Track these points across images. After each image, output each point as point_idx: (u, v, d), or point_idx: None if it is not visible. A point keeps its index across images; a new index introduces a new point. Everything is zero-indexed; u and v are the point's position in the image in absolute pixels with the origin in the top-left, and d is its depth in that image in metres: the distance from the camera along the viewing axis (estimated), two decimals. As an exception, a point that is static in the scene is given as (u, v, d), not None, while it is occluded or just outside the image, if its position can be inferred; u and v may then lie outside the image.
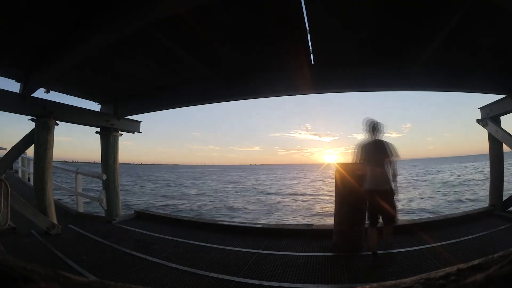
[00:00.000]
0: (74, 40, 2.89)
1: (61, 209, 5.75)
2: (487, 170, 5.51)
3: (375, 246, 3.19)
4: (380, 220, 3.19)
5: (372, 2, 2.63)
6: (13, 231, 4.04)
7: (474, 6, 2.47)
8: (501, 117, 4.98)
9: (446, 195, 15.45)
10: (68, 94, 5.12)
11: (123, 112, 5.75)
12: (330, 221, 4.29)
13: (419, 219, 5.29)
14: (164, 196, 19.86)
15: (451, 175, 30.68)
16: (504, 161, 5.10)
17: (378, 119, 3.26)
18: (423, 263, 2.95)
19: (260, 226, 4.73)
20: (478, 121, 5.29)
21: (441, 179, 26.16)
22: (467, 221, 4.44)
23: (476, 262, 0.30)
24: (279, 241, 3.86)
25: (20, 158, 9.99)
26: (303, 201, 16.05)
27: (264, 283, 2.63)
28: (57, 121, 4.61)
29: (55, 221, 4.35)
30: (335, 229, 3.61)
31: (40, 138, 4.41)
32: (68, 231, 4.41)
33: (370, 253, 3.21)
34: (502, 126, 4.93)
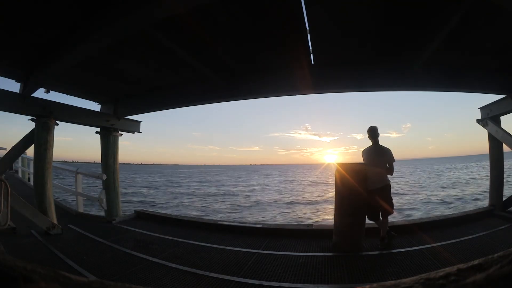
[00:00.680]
0: (74, 40, 2.89)
1: (61, 209, 5.75)
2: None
3: (385, 232, 3.53)
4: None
5: (372, 2, 2.63)
6: (13, 231, 4.04)
7: (474, 6, 2.47)
8: (501, 117, 4.98)
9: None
10: (68, 94, 5.12)
11: (123, 112, 5.75)
12: (330, 221, 4.29)
13: (419, 219, 5.29)
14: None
15: (468, 174, 30.40)
16: (504, 161, 5.10)
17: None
18: (423, 263, 2.95)
19: (260, 226, 4.72)
20: (478, 121, 5.29)
21: (465, 178, 25.55)
22: (467, 221, 4.45)
23: (476, 262, 0.30)
24: (279, 241, 3.86)
25: (20, 158, 10.00)
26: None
27: (264, 283, 2.63)
28: (57, 121, 4.61)
29: (55, 221, 4.35)
30: (335, 229, 3.61)
31: (40, 138, 4.41)
32: (68, 231, 4.41)
33: (379, 243, 3.52)
34: (502, 126, 4.93)
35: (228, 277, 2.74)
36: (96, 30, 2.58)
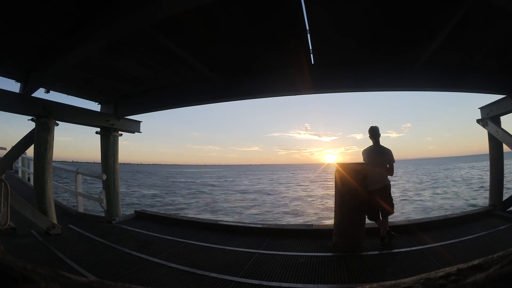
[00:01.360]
0: (74, 40, 2.89)
1: (61, 209, 5.75)
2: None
3: (385, 232, 3.57)
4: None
5: (372, 2, 2.63)
6: (13, 231, 4.04)
7: (474, 6, 2.47)
8: (501, 117, 4.98)
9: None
10: (68, 94, 5.12)
11: (123, 112, 5.75)
12: (330, 221, 4.29)
13: (419, 219, 5.28)
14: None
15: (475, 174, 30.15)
16: (504, 161, 5.10)
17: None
18: (423, 263, 2.95)
19: (260, 226, 4.72)
20: (478, 121, 5.29)
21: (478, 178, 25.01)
22: (467, 221, 4.44)
23: (476, 262, 0.29)
24: (279, 241, 3.86)
25: (20, 158, 10.00)
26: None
27: (264, 283, 2.63)
28: (57, 121, 4.61)
29: (55, 221, 4.35)
30: (335, 229, 3.60)
31: (40, 138, 4.41)
32: (68, 231, 4.40)
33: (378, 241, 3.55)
34: (502, 126, 4.93)
35: (228, 277, 2.74)
36: (96, 30, 2.58)
